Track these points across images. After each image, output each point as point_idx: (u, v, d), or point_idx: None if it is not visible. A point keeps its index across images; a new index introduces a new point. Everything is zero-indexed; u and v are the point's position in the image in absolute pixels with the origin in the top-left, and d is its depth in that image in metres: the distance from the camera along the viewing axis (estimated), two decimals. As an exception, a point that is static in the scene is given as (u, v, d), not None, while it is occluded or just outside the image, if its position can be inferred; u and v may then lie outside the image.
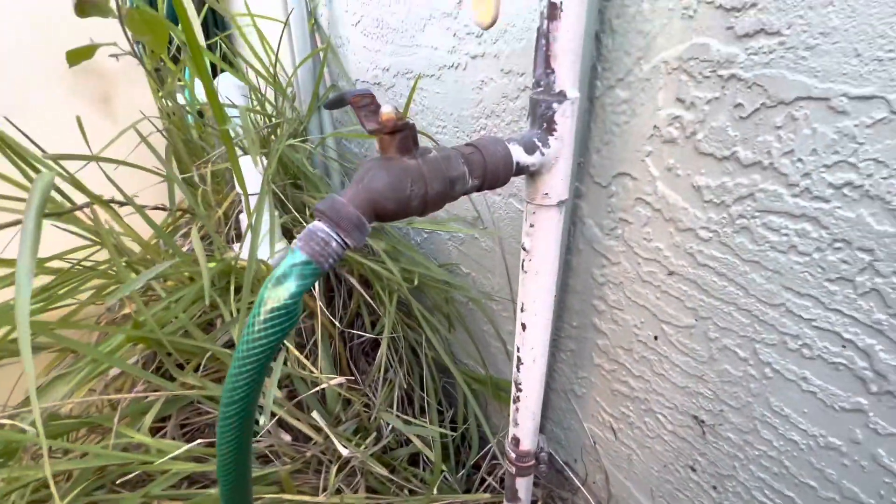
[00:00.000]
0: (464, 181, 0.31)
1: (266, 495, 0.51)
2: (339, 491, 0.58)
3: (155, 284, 0.51)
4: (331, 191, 0.84)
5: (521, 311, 0.45)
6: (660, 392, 0.50)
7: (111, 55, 0.53)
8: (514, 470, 0.56)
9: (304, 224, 0.81)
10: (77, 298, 0.52)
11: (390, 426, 0.71)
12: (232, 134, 0.76)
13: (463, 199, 0.69)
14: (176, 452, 0.44)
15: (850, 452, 0.36)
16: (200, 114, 0.93)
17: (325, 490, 0.57)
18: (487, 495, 0.65)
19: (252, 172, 0.61)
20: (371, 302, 0.77)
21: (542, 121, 0.36)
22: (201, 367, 0.54)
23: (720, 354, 0.43)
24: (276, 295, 0.27)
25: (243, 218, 0.69)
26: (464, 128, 0.65)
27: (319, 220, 0.28)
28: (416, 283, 0.70)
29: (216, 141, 0.75)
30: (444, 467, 0.69)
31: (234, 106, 0.77)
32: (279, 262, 0.62)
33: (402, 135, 0.29)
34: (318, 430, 0.61)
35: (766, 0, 0.32)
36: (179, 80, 0.90)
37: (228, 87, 0.84)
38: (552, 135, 0.36)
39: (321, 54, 0.93)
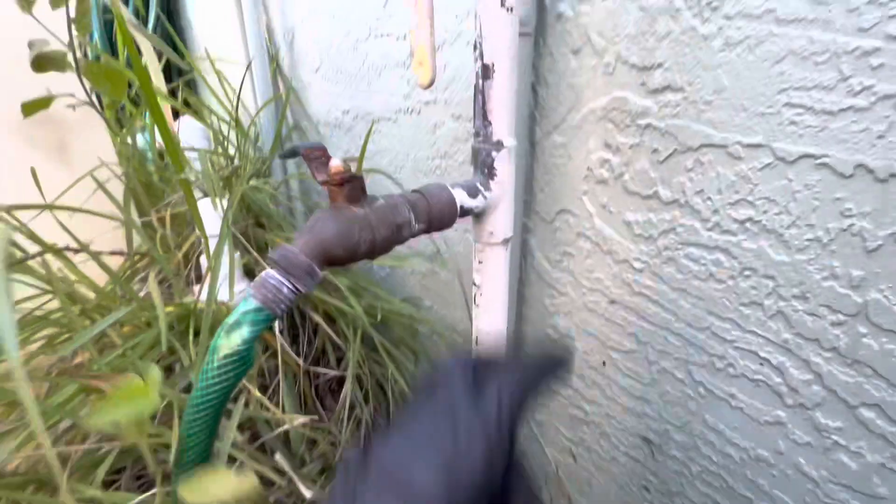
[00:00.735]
0: (410, 226, 0.34)
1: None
2: (303, 535, 0.57)
3: (110, 331, 0.51)
4: (294, 230, 0.85)
5: (476, 343, 0.47)
6: (612, 415, 0.52)
7: (68, 105, 0.54)
8: (478, 501, 0.57)
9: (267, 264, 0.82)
10: (27, 349, 0.51)
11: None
12: (193, 177, 0.77)
13: (423, 235, 0.72)
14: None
15: (777, 463, 0.39)
16: (161, 156, 0.93)
17: (289, 535, 0.56)
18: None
19: (212, 215, 0.62)
20: (336, 338, 0.77)
21: (484, 167, 0.39)
22: (158, 415, 0.53)
23: (660, 376, 0.46)
24: (230, 342, 0.28)
25: (204, 260, 0.69)
26: (420, 167, 0.68)
27: (272, 269, 0.29)
28: (379, 318, 0.71)
29: (177, 182, 0.76)
30: None
31: (193, 150, 0.78)
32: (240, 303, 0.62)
33: (350, 185, 0.32)
34: (282, 472, 0.60)
35: (670, 61, 0.36)
36: (140, 122, 0.91)
37: (189, 130, 0.85)
38: (493, 179, 0.39)
39: (284, 97, 0.95)
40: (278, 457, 0.60)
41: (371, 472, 0.21)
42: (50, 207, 0.49)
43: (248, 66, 0.91)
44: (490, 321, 0.45)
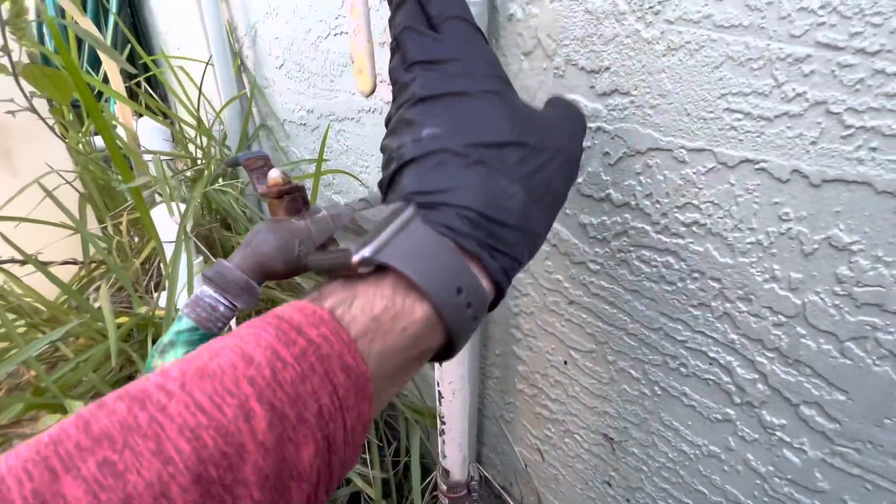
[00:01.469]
0: (355, 237, 0.33)
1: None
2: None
3: (61, 345, 0.49)
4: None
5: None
6: (574, 413, 0.53)
7: (7, 112, 0.52)
8: (447, 501, 0.57)
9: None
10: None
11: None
12: (149, 180, 0.74)
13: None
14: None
15: (727, 459, 0.40)
16: (125, 156, 0.90)
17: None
18: (427, 529, 0.65)
19: (169, 221, 0.61)
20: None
21: (435, 172, 0.39)
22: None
23: (618, 375, 0.46)
24: (164, 363, 0.27)
25: (163, 266, 0.67)
26: (385, 168, 0.67)
27: (207, 286, 0.29)
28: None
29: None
30: (384, 502, 0.68)
31: (150, 152, 0.76)
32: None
33: (289, 197, 0.31)
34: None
35: (617, 65, 0.36)
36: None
37: (148, 131, 0.83)
38: (445, 185, 0.39)
39: (248, 94, 0.93)
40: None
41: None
42: (-8, 218, 0.47)
43: (209, 62, 0.88)
44: (449, 326, 0.45)
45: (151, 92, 0.92)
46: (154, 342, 0.57)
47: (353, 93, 0.67)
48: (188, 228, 0.58)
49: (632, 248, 0.40)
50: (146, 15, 1.41)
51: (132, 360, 0.56)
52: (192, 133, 0.96)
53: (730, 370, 0.37)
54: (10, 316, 0.45)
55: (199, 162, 0.89)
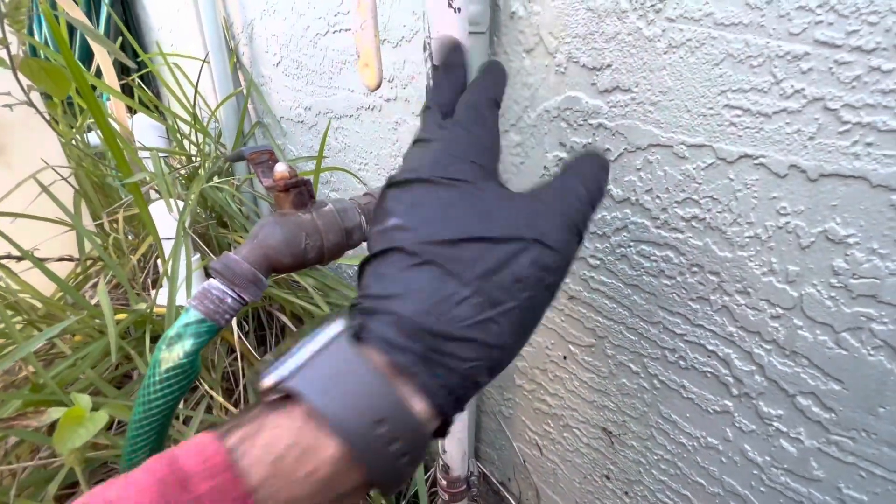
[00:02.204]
0: (360, 229, 0.33)
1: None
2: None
3: (59, 341, 0.49)
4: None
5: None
6: (573, 408, 0.53)
7: (5, 105, 0.51)
8: (446, 497, 0.57)
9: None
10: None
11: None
12: (147, 177, 0.74)
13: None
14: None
15: (725, 450, 0.40)
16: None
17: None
18: (425, 525, 0.65)
19: (166, 217, 0.60)
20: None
21: (438, 168, 0.39)
22: (115, 425, 0.52)
23: (617, 369, 0.47)
24: (172, 355, 0.27)
25: (161, 263, 0.67)
26: (383, 165, 0.67)
27: (215, 278, 0.29)
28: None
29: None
30: (383, 501, 0.68)
31: (146, 149, 0.75)
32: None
33: (296, 191, 0.31)
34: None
35: (618, 62, 0.37)
36: (90, 120, 0.87)
37: (143, 128, 0.82)
38: (448, 180, 0.39)
39: (245, 92, 0.93)
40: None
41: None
42: (-12, 213, 0.47)
43: (205, 59, 0.88)
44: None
45: (145, 88, 0.92)
46: (153, 339, 0.57)
47: (351, 90, 0.67)
48: (186, 225, 0.57)
49: (632, 243, 0.41)
50: (139, 11, 1.40)
51: (129, 356, 0.55)
52: (186, 129, 0.95)
53: (728, 362, 0.38)
54: (7, 312, 0.44)
55: (194, 159, 0.88)
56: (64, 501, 0.50)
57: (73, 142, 0.72)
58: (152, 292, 0.68)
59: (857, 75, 0.26)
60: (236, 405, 0.66)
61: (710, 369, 0.39)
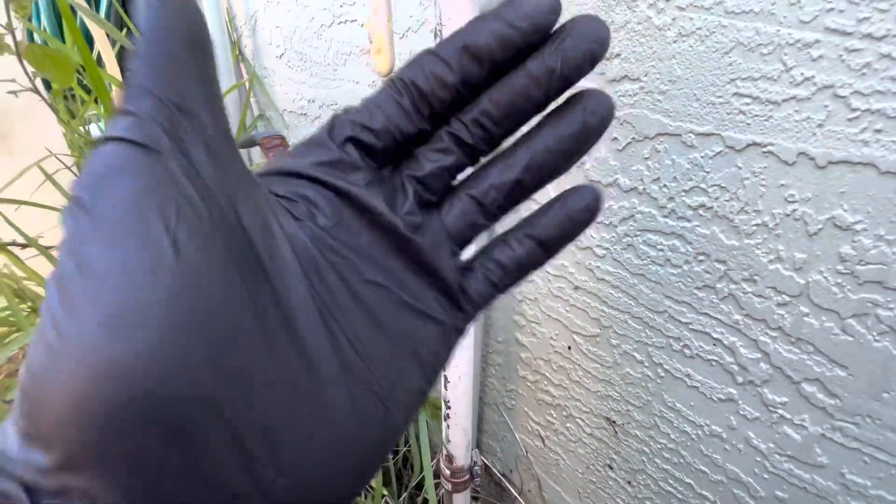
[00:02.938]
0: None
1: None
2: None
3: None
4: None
5: (444, 331, 0.48)
6: (577, 398, 0.54)
7: (9, 91, 0.51)
8: (450, 486, 0.58)
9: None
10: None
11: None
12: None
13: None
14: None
15: (729, 438, 0.41)
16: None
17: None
18: (428, 515, 0.66)
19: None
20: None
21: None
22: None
23: (622, 359, 0.47)
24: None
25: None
26: (388, 157, 0.67)
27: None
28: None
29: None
30: (385, 492, 0.69)
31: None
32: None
33: (308, 175, 0.31)
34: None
35: (628, 51, 0.37)
36: (96, 110, 0.87)
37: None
38: (456, 168, 0.39)
39: (247, 85, 0.92)
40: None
41: None
42: (-7, 200, 0.46)
43: (209, 52, 0.88)
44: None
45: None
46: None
47: (356, 82, 0.67)
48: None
49: (638, 233, 0.41)
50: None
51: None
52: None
53: (733, 350, 0.38)
54: (14, 299, 0.44)
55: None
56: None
57: (80, 131, 0.72)
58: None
59: (868, 62, 0.27)
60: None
61: (715, 357, 0.40)
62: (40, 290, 0.51)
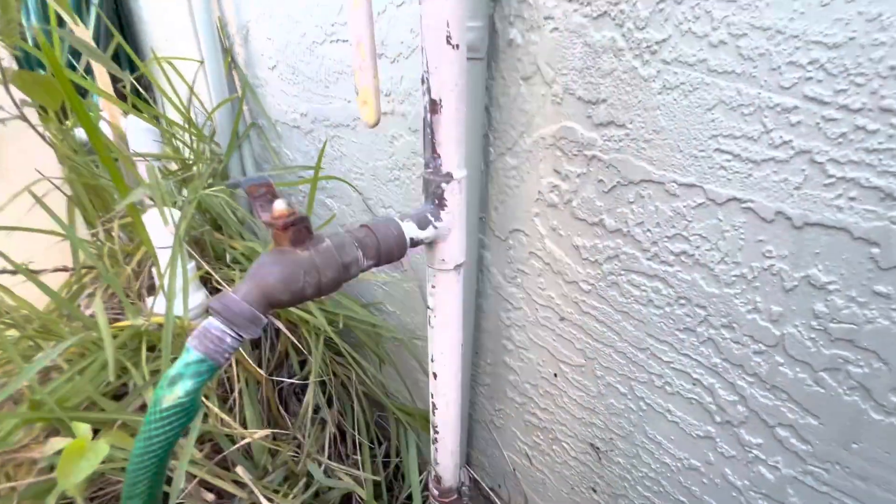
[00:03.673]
0: (358, 264, 0.34)
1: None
2: (266, 545, 0.57)
3: (57, 356, 0.49)
4: (254, 237, 0.83)
5: (432, 361, 0.49)
6: (562, 423, 0.55)
7: (-2, 119, 0.51)
8: (438, 505, 0.59)
9: (226, 268, 0.80)
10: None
11: (322, 467, 0.71)
12: (138, 186, 0.73)
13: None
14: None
15: (707, 472, 0.42)
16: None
17: (251, 546, 0.57)
18: (417, 530, 0.67)
19: (161, 227, 0.60)
20: (298, 344, 0.77)
21: (434, 197, 0.40)
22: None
23: (606, 390, 0.48)
24: (172, 394, 0.28)
25: (157, 273, 0.67)
26: (380, 176, 0.68)
27: (214, 318, 0.29)
28: (340, 325, 0.71)
29: (130, 183, 0.72)
30: (375, 503, 0.70)
31: (139, 155, 0.75)
32: (196, 317, 0.61)
33: (294, 229, 0.31)
34: (244, 485, 0.60)
35: (613, 97, 0.37)
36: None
37: (137, 131, 0.81)
38: (444, 209, 0.40)
39: (240, 93, 0.92)
40: (240, 469, 0.60)
41: None
42: (-17, 227, 0.46)
43: (201, 62, 0.87)
44: (445, 340, 0.46)
45: (139, 87, 0.90)
46: (149, 349, 0.58)
47: (348, 100, 0.67)
48: (182, 234, 0.57)
49: (622, 272, 0.42)
50: (132, 4, 1.37)
51: (126, 368, 0.56)
52: (179, 131, 0.94)
53: (712, 391, 0.39)
54: (6, 332, 0.44)
55: (189, 162, 0.87)
56: (62, 512, 0.50)
57: (65, 143, 0.71)
58: (148, 300, 0.69)
59: (844, 132, 0.27)
60: (230, 412, 0.67)
61: (694, 396, 0.41)
62: (29, 316, 0.51)
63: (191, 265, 0.67)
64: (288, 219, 0.31)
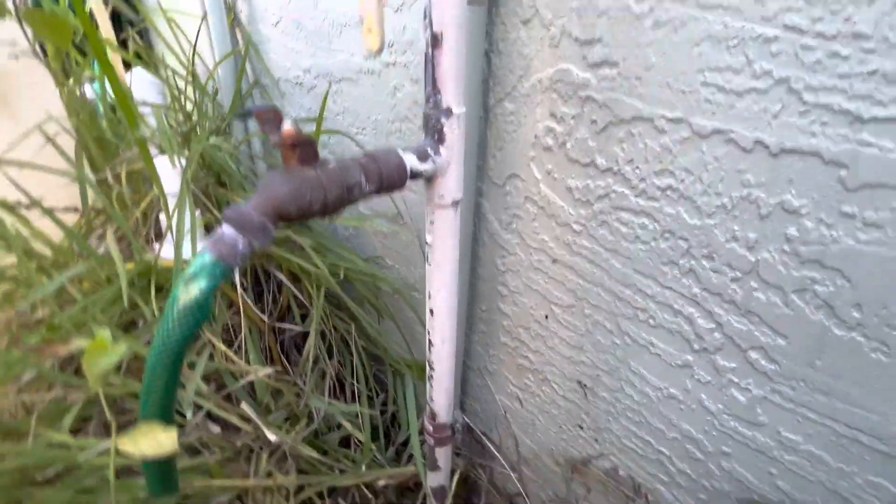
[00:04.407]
0: (360, 188, 0.36)
1: (196, 483, 0.54)
2: (269, 475, 0.61)
3: (70, 287, 0.51)
4: (255, 189, 0.85)
5: (429, 298, 0.51)
6: (552, 363, 0.58)
7: (11, 55, 0.51)
8: (432, 441, 0.62)
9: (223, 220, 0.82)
10: (-18, 304, 0.51)
11: (322, 412, 0.75)
12: (148, 132, 0.75)
13: (385, 198, 0.74)
14: (99, 447, 0.45)
15: (684, 399, 0.45)
16: (113, 109, 0.90)
17: (256, 475, 0.60)
18: (412, 468, 0.71)
19: (170, 173, 0.62)
20: (300, 296, 0.80)
21: (434, 132, 0.41)
22: (124, 367, 0.55)
23: (594, 328, 0.51)
24: (188, 292, 0.30)
25: (163, 218, 0.69)
26: (381, 129, 0.69)
27: (227, 225, 0.31)
28: (342, 276, 0.74)
29: (131, 137, 0.73)
30: (373, 446, 0.74)
31: (147, 104, 0.76)
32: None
33: (301, 148, 0.33)
34: (248, 420, 0.63)
35: (608, 37, 0.39)
36: (89, 73, 0.87)
37: (142, 83, 0.82)
38: (442, 144, 0.42)
39: (242, 51, 0.92)
40: (244, 405, 0.63)
41: None
42: (-3, 162, 0.48)
43: (204, 17, 0.87)
44: (442, 276, 0.49)
45: (140, 41, 0.91)
46: (157, 289, 0.60)
47: (352, 54, 0.68)
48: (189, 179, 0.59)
49: (612, 210, 0.44)
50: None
51: (136, 304, 0.58)
52: (183, 85, 0.95)
53: (691, 321, 0.42)
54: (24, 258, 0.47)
55: (192, 117, 0.88)
56: (77, 433, 0.54)
57: (76, 94, 0.72)
58: (155, 246, 0.71)
59: (819, 59, 0.29)
60: (237, 352, 0.70)
61: (675, 327, 0.43)
62: (45, 251, 0.53)
63: (197, 212, 0.69)
64: (296, 139, 0.33)
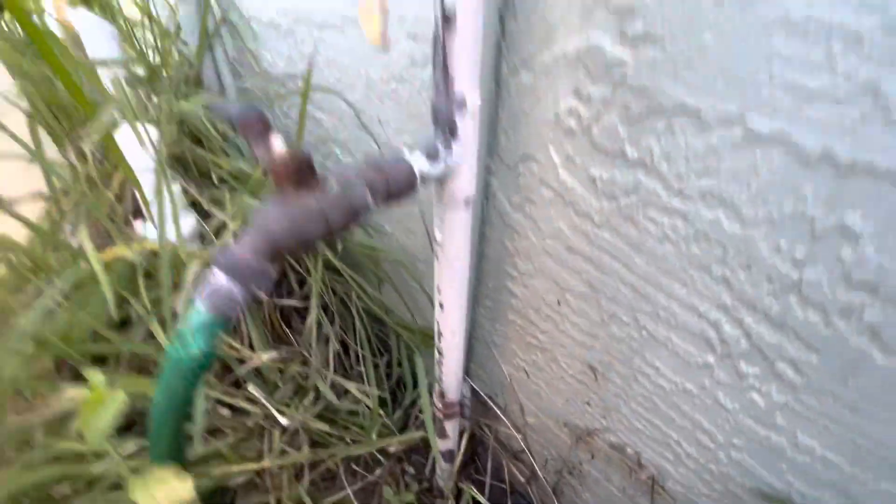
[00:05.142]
0: (367, 208, 0.32)
1: (214, 470, 0.55)
2: (283, 452, 0.62)
3: (52, 291, 0.47)
4: (240, 155, 0.77)
5: (439, 292, 0.48)
6: (562, 345, 0.57)
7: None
8: (441, 416, 0.63)
9: (213, 188, 0.76)
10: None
11: (329, 381, 0.75)
12: (112, 90, 0.66)
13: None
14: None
15: (700, 394, 0.45)
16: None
17: (270, 453, 0.61)
18: (420, 433, 0.73)
19: (136, 146, 0.55)
20: (296, 265, 0.77)
21: (445, 126, 0.36)
22: (120, 324, 0.53)
23: (609, 319, 0.49)
24: (188, 354, 0.27)
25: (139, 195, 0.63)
26: (375, 90, 0.61)
27: (220, 272, 0.27)
28: (340, 249, 0.70)
29: (99, 98, 0.64)
30: (381, 412, 0.75)
31: (101, 63, 0.66)
32: (190, 236, 0.59)
33: (298, 172, 0.28)
34: (256, 401, 0.63)
35: (654, 8, 0.32)
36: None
37: (91, 29, 0.70)
38: (455, 140, 0.36)
39: (204, -19, 0.79)
40: (251, 388, 0.63)
41: None
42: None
43: (153, -61, 0.73)
44: (452, 275, 0.46)
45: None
46: (145, 276, 0.56)
47: (335, -4, 0.58)
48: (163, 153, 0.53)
49: (640, 207, 0.40)
50: None
51: (125, 297, 0.55)
52: (137, 32, 0.83)
53: (717, 326, 0.40)
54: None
55: (155, 66, 0.78)
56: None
57: (10, 45, 0.62)
58: (136, 224, 0.66)
59: (922, 67, 0.24)
60: (236, 332, 0.68)
61: (698, 330, 0.41)
62: (11, 257, 0.49)
63: (176, 187, 0.63)
64: (290, 162, 0.28)
